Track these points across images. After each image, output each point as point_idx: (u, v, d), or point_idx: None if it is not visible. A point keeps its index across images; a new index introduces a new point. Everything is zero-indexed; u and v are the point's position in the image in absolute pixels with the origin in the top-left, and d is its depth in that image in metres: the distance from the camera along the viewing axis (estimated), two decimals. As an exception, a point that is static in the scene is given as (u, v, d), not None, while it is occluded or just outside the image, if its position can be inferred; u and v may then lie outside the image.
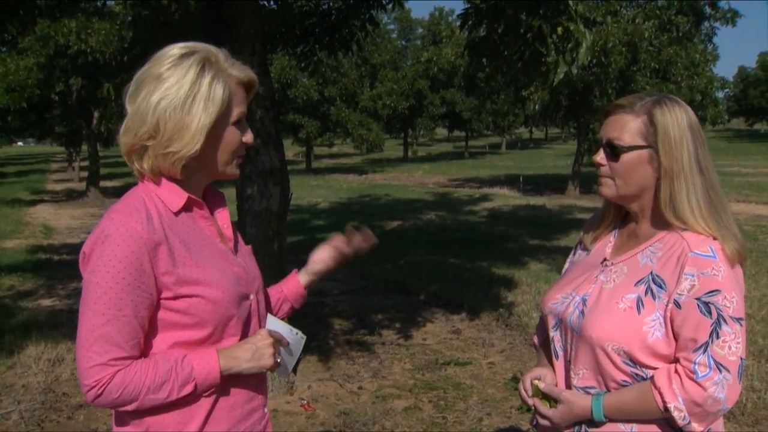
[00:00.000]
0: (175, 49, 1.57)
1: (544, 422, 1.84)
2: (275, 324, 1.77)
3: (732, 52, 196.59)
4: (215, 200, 1.76)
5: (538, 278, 8.77)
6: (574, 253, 2.05)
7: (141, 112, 1.53)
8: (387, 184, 28.32)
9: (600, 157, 1.76)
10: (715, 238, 1.66)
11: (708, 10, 25.96)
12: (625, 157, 1.70)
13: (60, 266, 10.28)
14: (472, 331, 6.71)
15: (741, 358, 1.62)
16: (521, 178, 26.37)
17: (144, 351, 1.56)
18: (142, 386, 1.51)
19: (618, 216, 1.90)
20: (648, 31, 18.39)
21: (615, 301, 1.71)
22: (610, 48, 17.69)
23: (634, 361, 1.68)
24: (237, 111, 1.62)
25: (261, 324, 1.76)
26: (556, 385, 1.86)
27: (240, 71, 1.63)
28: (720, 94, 20.00)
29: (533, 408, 1.88)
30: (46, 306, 7.78)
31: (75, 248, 11.72)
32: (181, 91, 1.52)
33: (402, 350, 6.09)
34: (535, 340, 2.12)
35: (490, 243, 12.03)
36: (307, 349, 5.90)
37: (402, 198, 21.11)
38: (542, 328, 2.07)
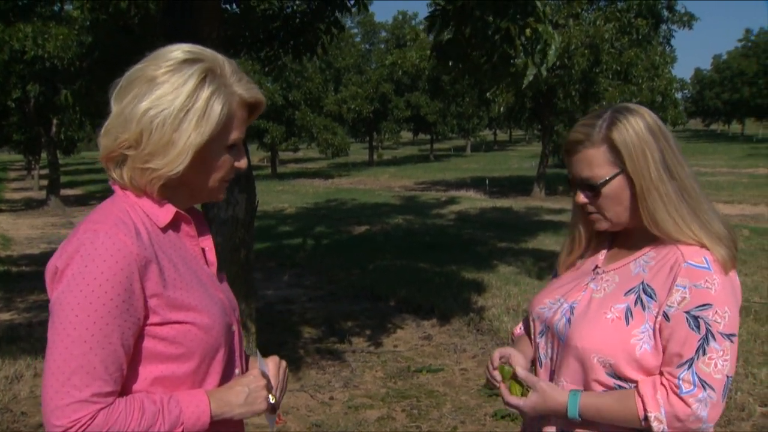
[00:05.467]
0: (178, 52, 1.39)
1: (510, 409, 1.76)
2: (263, 363, 1.60)
3: (688, 55, 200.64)
4: (197, 220, 1.58)
5: (508, 281, 8.76)
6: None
7: (125, 116, 1.35)
8: (353, 188, 28.21)
9: (581, 198, 1.69)
10: (709, 248, 1.60)
11: (666, 13, 26.43)
12: (606, 191, 1.64)
13: (19, 278, 9.97)
14: (443, 336, 6.64)
15: (727, 377, 1.55)
16: (487, 181, 26.49)
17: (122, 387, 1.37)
18: (126, 430, 1.31)
19: (591, 238, 1.82)
20: (609, 33, 18.59)
21: (603, 310, 1.64)
22: (573, 50, 17.84)
23: (618, 375, 1.61)
24: (234, 134, 1.45)
25: (241, 359, 1.60)
26: (535, 374, 1.79)
27: (246, 90, 1.44)
28: (679, 96, 20.30)
29: (500, 391, 1.76)
30: (4, 320, 7.51)
31: (35, 259, 11.41)
32: (176, 102, 1.34)
33: (373, 358, 6.00)
34: (516, 330, 2.05)
35: (459, 246, 12.00)
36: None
37: (369, 202, 21.01)
38: (525, 323, 2.01)
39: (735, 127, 72.06)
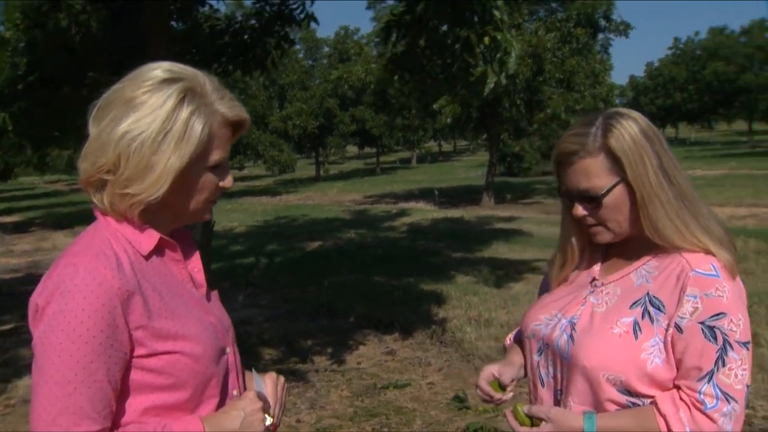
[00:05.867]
0: (158, 71, 1.33)
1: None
2: (260, 382, 1.54)
3: (623, 62, 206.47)
4: (183, 241, 1.51)
5: (467, 291, 8.73)
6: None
7: (103, 139, 1.30)
8: (302, 204, 27.98)
9: (580, 211, 1.61)
10: (714, 254, 1.54)
11: (603, 22, 27.07)
12: (607, 201, 1.57)
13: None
14: (406, 350, 6.56)
15: (747, 386, 1.50)
16: (436, 192, 26.57)
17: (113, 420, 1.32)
18: None
19: (585, 250, 1.75)
20: (551, 42, 18.93)
21: (609, 325, 1.57)
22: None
23: (630, 391, 1.54)
24: (217, 155, 1.39)
25: (238, 380, 1.53)
26: (536, 394, 1.73)
27: (229, 108, 1.39)
28: (618, 102, 20.81)
29: (509, 424, 1.67)
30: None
31: (-26, 291, 10.91)
32: (153, 124, 1.28)
33: (337, 376, 5.87)
34: (507, 340, 1.99)
35: (414, 258, 11.95)
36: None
37: (319, 218, 20.85)
38: (517, 333, 1.94)
39: (669, 131, 74.23)
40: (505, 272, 10.02)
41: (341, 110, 45.56)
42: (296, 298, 9.07)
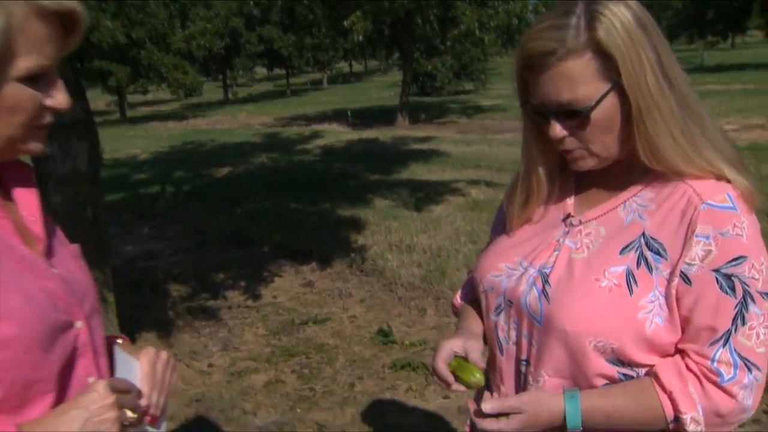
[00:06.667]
0: None
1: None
2: (128, 362, 1.17)
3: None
4: (15, 178, 1.11)
5: (386, 216, 8.39)
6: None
7: None
8: (210, 128, 26.80)
9: (558, 131, 1.20)
10: (727, 180, 1.17)
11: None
12: (596, 116, 1.17)
13: None
14: (325, 281, 6.19)
15: None
16: (349, 113, 25.96)
17: None
18: None
19: (554, 181, 1.35)
20: (463, -46, 18.28)
21: (594, 277, 1.20)
22: (429, -27, 17.38)
23: (623, 361, 1.19)
24: (29, 60, 0.96)
25: (97, 364, 1.14)
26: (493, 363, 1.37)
27: None
28: (532, 18, 20.50)
29: (471, 414, 1.30)
30: None
31: None
32: None
33: (252, 313, 5.47)
34: (456, 299, 1.57)
35: (330, 183, 11.50)
36: (143, 325, 5.13)
37: (229, 142, 19.96)
38: (468, 289, 1.54)
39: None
40: (425, 194, 9.72)
41: (248, 30, 43.74)
42: (207, 229, 8.52)
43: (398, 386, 4.03)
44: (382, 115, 25.92)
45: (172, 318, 5.40)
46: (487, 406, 1.23)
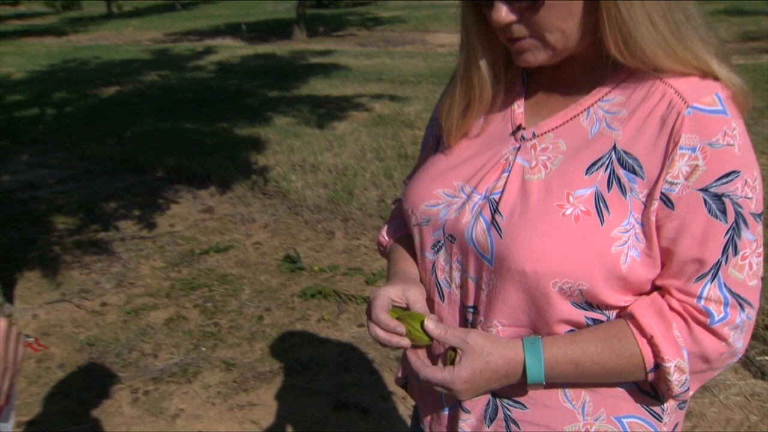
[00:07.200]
0: None
1: (438, 389, 1.04)
2: None
3: None
4: None
5: (287, 134, 8.00)
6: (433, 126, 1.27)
7: None
8: (94, 45, 24.98)
9: (504, 15, 0.94)
10: (715, 78, 0.94)
11: None
12: None
13: None
14: (226, 206, 5.84)
15: (761, 279, 0.98)
16: (244, 26, 24.78)
17: None
18: None
19: (499, 83, 1.09)
20: None
21: (555, 203, 0.97)
22: None
23: (592, 303, 0.98)
24: None
25: None
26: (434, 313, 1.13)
27: None
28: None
29: (410, 360, 1.07)
30: None
31: None
32: None
33: (147, 244, 5.08)
34: (383, 236, 1.31)
35: (226, 100, 10.90)
36: (24, 263, 4.68)
37: (115, 59, 18.63)
38: (397, 223, 1.29)
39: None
40: (327, 110, 9.35)
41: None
42: (94, 154, 7.89)
43: (309, 316, 3.82)
44: (279, 29, 24.90)
45: (59, 254, 4.95)
46: (431, 324, 1.02)
